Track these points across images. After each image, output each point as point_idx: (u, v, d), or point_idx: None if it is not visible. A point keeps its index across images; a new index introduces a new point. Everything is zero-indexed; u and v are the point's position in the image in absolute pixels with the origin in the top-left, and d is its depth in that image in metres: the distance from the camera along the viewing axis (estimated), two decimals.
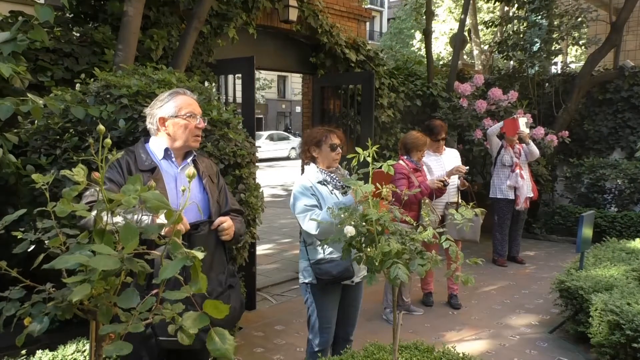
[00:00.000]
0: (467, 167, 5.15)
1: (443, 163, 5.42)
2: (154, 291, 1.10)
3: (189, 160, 2.55)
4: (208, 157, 2.91)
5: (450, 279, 5.44)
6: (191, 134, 2.48)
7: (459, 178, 5.33)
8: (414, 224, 2.36)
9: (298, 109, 42.18)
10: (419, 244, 2.29)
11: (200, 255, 1.00)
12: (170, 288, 1.19)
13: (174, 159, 2.50)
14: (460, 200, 5.34)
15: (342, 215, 2.18)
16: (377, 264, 2.01)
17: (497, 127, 7.02)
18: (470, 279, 2.06)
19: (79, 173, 1.06)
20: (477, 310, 5.45)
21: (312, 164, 3.37)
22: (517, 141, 7.03)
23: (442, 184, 4.89)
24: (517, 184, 6.93)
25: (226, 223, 2.45)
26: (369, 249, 2.04)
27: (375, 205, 2.17)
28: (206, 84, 5.57)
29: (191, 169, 1.23)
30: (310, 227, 3.12)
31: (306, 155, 3.41)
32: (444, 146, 5.61)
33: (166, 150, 2.49)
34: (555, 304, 5.12)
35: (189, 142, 2.49)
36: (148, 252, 1.22)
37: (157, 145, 2.51)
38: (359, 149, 2.18)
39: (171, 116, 2.45)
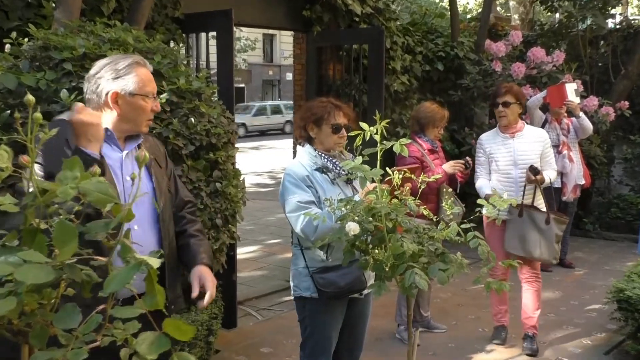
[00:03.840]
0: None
1: (514, 150, 4.80)
2: (100, 307, 1.08)
3: (137, 144, 2.56)
4: (152, 135, 2.89)
5: (526, 313, 4.96)
6: (145, 117, 2.52)
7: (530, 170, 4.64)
8: (434, 219, 2.35)
9: (289, 75, 42.07)
10: (440, 243, 2.28)
11: (155, 262, 0.98)
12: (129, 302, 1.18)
13: (116, 142, 2.49)
14: (534, 201, 4.74)
15: (344, 209, 2.18)
16: (387, 269, 2.01)
17: (539, 96, 6.99)
18: (503, 284, 2.05)
19: (2, 157, 1.04)
20: (513, 326, 5.45)
21: (307, 145, 3.32)
22: (565, 114, 7.01)
23: (462, 166, 4.82)
24: (564, 168, 6.91)
25: (212, 290, 2.53)
26: (377, 251, 2.04)
27: (385, 195, 2.16)
28: (172, 44, 5.52)
29: (142, 152, 1.21)
30: (307, 231, 3.06)
31: (301, 134, 3.35)
32: (522, 122, 4.94)
33: (106, 130, 2.43)
34: (612, 317, 5.13)
35: (140, 127, 2.53)
36: (94, 257, 1.21)
37: None
38: (364, 125, 2.17)
39: (128, 93, 2.42)
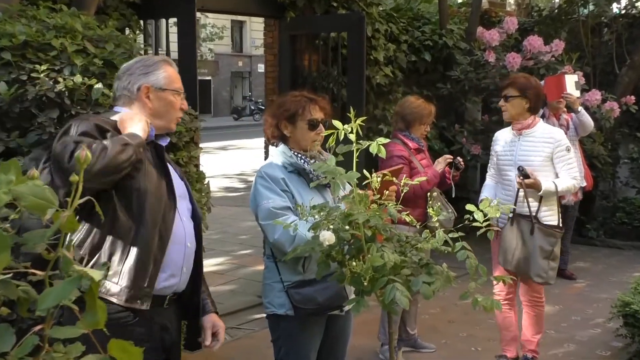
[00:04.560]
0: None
1: (516, 151, 4.69)
2: (37, 327, 1.07)
3: (167, 142, 2.86)
4: None
5: (525, 335, 4.90)
6: (175, 114, 2.81)
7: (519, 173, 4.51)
8: (419, 227, 2.36)
9: (261, 67, 42.07)
10: (424, 253, 2.29)
11: (97, 275, 0.97)
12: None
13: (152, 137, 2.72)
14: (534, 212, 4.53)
15: (317, 216, 2.18)
16: (366, 282, 2.01)
17: None
18: (495, 303, 2.06)
19: None
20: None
21: (281, 145, 3.32)
22: (564, 109, 7.07)
23: (451, 163, 4.78)
24: None
25: (222, 338, 2.89)
26: (354, 263, 2.04)
27: (364, 200, 2.16)
28: (127, 32, 5.50)
29: (83, 152, 1.20)
30: (283, 242, 3.05)
31: (273, 134, 3.35)
32: (535, 119, 4.74)
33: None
34: (618, 334, 5.18)
35: (171, 124, 2.82)
36: (31, 271, 1.20)
37: None
38: (337, 123, 2.17)
39: (159, 88, 2.70)
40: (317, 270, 2.23)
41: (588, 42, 9.28)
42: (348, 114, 2.22)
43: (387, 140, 2.20)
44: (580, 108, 6.98)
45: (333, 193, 2.10)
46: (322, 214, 2.18)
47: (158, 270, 2.56)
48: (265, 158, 3.52)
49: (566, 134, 6.92)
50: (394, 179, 2.51)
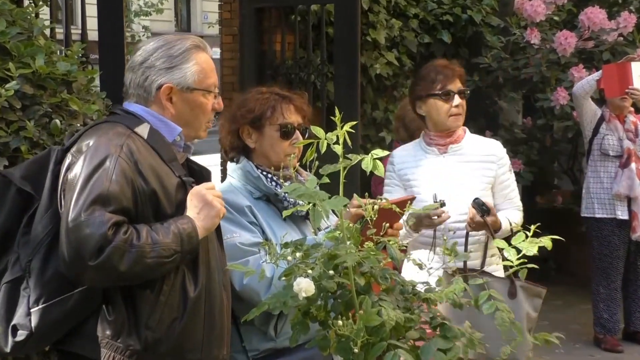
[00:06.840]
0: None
1: (445, 175, 4.35)
2: None
3: (190, 152, 2.96)
4: None
5: None
6: (205, 119, 2.91)
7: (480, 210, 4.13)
8: (426, 269, 2.37)
9: (216, 52, 42.10)
10: (444, 309, 2.31)
11: None
12: None
13: (181, 150, 2.88)
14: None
15: (290, 257, 2.19)
16: (357, 350, 2.02)
17: (592, 79, 7.06)
18: None
19: None
20: None
21: (243, 160, 3.36)
22: (630, 108, 7.10)
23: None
24: (631, 190, 6.96)
25: None
26: (341, 322, 2.05)
27: (355, 235, 2.18)
28: (25, 3, 5.51)
29: None
30: (255, 287, 3.09)
31: (232, 144, 3.40)
32: (462, 129, 4.49)
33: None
34: None
35: (199, 132, 2.92)
36: None
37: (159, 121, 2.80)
38: (318, 131, 2.18)
39: (186, 88, 2.79)
40: (292, 334, 2.25)
41: None
42: (332, 118, 2.23)
43: (386, 153, 2.18)
44: None
45: (314, 223, 2.06)
46: (297, 254, 2.19)
47: (229, 327, 2.93)
48: (223, 179, 3.53)
49: (634, 141, 6.95)
50: (397, 209, 2.43)
